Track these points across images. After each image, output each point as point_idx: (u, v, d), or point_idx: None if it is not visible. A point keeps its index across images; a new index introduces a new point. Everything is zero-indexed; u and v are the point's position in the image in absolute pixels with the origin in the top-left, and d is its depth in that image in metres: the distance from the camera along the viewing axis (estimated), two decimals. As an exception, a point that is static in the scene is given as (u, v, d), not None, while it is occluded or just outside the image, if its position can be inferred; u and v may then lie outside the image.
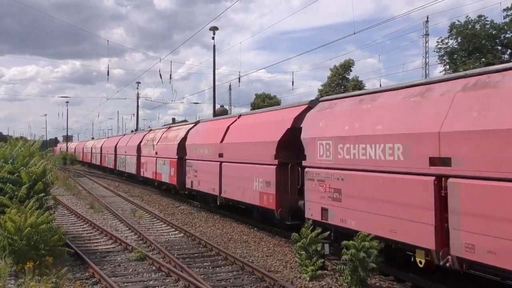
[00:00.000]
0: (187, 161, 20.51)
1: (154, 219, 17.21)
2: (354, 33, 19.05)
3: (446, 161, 7.36)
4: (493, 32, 39.67)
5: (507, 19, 38.89)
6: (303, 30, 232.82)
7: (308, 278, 9.26)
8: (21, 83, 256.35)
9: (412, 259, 8.29)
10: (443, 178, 7.40)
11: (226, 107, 58.31)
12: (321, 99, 12.04)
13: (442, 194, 7.42)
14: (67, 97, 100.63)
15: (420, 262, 7.95)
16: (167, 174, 23.61)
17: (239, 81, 38.81)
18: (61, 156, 67.09)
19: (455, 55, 42.01)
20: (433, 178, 7.53)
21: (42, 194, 11.66)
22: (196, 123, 22.25)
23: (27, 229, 9.20)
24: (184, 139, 21.49)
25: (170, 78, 36.55)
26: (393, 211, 8.34)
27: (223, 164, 16.35)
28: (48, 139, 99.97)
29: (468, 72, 8.13)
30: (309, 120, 11.43)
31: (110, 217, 17.64)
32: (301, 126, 11.50)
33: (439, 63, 44.32)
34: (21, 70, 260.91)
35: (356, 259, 8.49)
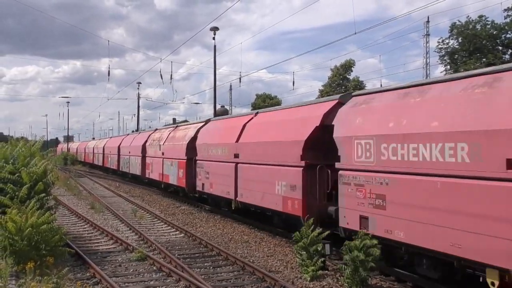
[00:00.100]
0: (197, 162, 19.32)
1: (155, 219, 17.22)
2: (355, 33, 19.06)
3: None
4: (494, 32, 39.70)
5: (508, 19, 38.91)
6: (303, 30, 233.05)
7: (308, 278, 9.26)
8: (22, 83, 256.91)
9: (481, 279, 7.17)
10: None
11: (227, 107, 58.42)
12: (354, 93, 10.77)
13: None
14: (67, 97, 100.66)
15: (493, 284, 6.76)
16: (174, 176, 22.45)
17: (240, 81, 39.03)
18: (62, 157, 67.08)
19: (456, 55, 42.03)
20: None
21: (43, 195, 11.66)
22: (207, 121, 20.94)
23: (28, 229, 9.21)
24: (193, 138, 20.28)
25: (171, 78, 36.73)
26: (455, 222, 7.12)
27: (239, 165, 15.12)
28: (49, 139, 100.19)
29: None
30: (342, 116, 10.19)
31: (111, 217, 17.64)
32: (333, 123, 10.30)
33: (439, 63, 44.46)
34: (22, 70, 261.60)
35: (357, 259, 8.49)
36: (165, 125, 35.77)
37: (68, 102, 79.28)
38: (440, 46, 43.15)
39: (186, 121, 53.77)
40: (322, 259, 9.64)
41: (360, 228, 9.06)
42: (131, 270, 10.17)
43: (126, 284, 9.12)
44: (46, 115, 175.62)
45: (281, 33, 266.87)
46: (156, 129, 30.71)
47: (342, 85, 55.97)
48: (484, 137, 6.76)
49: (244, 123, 15.55)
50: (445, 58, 43.06)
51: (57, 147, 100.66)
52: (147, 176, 28.44)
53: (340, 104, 10.89)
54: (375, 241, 8.53)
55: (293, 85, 44.50)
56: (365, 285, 8.64)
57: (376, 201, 8.79)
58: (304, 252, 9.74)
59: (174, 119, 76.26)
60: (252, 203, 14.36)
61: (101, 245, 12.69)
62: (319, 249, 9.63)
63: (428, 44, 46.56)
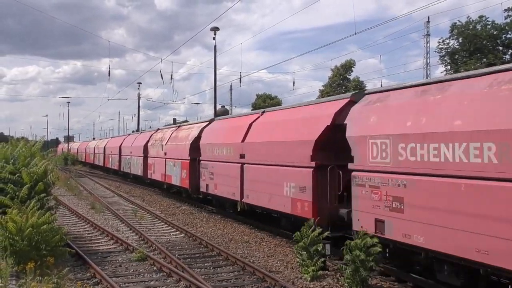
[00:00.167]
0: (201, 162, 18.78)
1: (155, 220, 17.22)
2: (355, 33, 19.09)
3: None
4: (494, 33, 39.73)
5: (508, 20, 38.92)
6: (304, 30, 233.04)
7: (309, 279, 9.26)
8: (22, 83, 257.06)
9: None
10: None
11: (227, 107, 58.45)
12: (367, 91, 10.31)
13: None
14: (68, 97, 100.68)
15: None
16: (177, 177, 21.98)
17: (240, 82, 38.98)
18: (62, 157, 67.08)
19: (456, 56, 42.06)
20: None
21: (43, 195, 11.67)
22: (210, 121, 20.38)
23: (28, 229, 9.21)
24: (197, 138, 19.80)
25: (171, 78, 36.75)
26: (482, 227, 6.69)
27: (245, 166, 14.67)
28: (49, 139, 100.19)
29: None
30: (355, 115, 9.74)
31: (111, 218, 17.65)
32: (345, 122, 9.90)
33: (440, 64, 44.49)
34: (22, 71, 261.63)
35: (357, 259, 8.49)
36: (166, 125, 35.47)
37: (68, 102, 79.41)
38: (440, 46, 43.24)
39: (186, 121, 53.79)
40: (323, 259, 9.64)
41: (375, 232, 8.71)
42: (132, 270, 10.17)
43: (127, 284, 9.12)
44: (47, 115, 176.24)
45: (281, 33, 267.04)
46: (158, 129, 30.30)
47: (343, 85, 56.00)
48: None
49: (250, 123, 15.13)
50: (445, 58, 43.10)
51: (58, 147, 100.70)
52: (149, 176, 28.05)
53: (352, 102, 10.48)
54: (376, 240, 8.53)
55: (294, 85, 44.56)
56: (366, 285, 8.63)
57: (393, 204, 8.36)
58: (305, 252, 9.75)
59: (174, 119, 76.46)
60: (259, 205, 13.92)
61: (102, 245, 12.70)
62: (319, 249, 9.63)
63: (428, 44, 46.61)
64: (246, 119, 15.88)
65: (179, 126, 25.45)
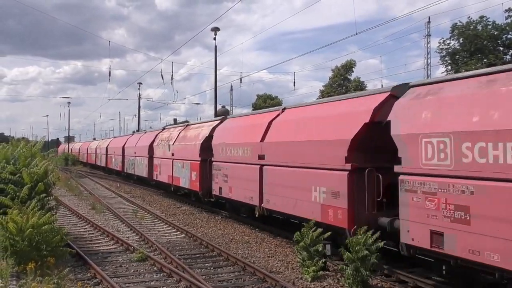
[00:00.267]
0: (214, 163, 17.59)
1: (156, 220, 17.22)
2: (356, 34, 19.17)
3: None
4: (495, 33, 39.74)
5: (509, 20, 38.94)
6: (304, 31, 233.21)
7: (309, 279, 9.25)
8: (23, 83, 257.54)
9: None
10: None
11: (228, 107, 58.44)
12: (412, 83, 9.09)
13: None
14: (68, 97, 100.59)
15: None
16: (186, 179, 20.81)
17: (241, 82, 39.02)
18: (62, 157, 67.08)
19: (457, 56, 42.07)
20: None
21: (44, 195, 11.67)
22: (223, 119, 19.22)
23: (29, 229, 9.22)
24: (208, 138, 18.65)
25: (172, 78, 36.76)
26: None
27: (265, 168, 13.51)
28: (49, 139, 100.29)
29: None
30: (402, 111, 8.58)
31: (111, 218, 17.66)
32: (388, 119, 8.76)
33: (441, 64, 44.52)
34: (23, 71, 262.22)
35: (357, 259, 8.48)
36: (166, 126, 35.13)
37: (69, 103, 79.21)
38: (441, 47, 43.25)
39: (187, 121, 53.75)
40: (323, 259, 9.64)
41: (431, 246, 7.66)
42: (132, 270, 10.17)
43: (127, 284, 9.12)
44: (47, 115, 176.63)
45: (282, 33, 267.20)
46: (164, 128, 29.33)
47: (343, 85, 56.08)
48: None
49: (269, 121, 14.00)
50: (446, 58, 43.12)
51: (59, 147, 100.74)
52: (154, 178, 26.89)
53: (393, 96, 9.49)
54: (376, 236, 8.52)
55: (294, 85, 44.44)
56: (366, 285, 8.63)
57: (456, 214, 7.22)
58: (305, 253, 9.74)
59: (175, 120, 76.40)
60: (282, 211, 12.62)
61: (102, 246, 12.70)
62: (320, 249, 9.63)
63: (429, 45, 46.54)
64: (265, 117, 14.72)
65: (187, 125, 24.22)
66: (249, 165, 14.46)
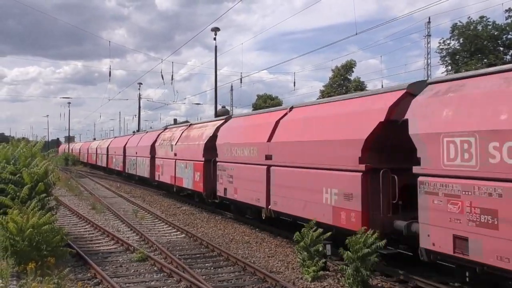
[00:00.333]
0: (218, 164, 17.22)
1: (156, 220, 17.21)
2: (356, 34, 19.10)
3: None
4: (495, 33, 39.77)
5: (509, 20, 38.97)
6: (305, 31, 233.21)
7: (309, 279, 9.25)
8: (23, 84, 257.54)
9: None
10: None
11: (228, 107, 58.42)
12: (430, 81, 8.81)
13: None
14: (69, 98, 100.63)
15: None
16: (189, 179, 20.39)
17: (241, 82, 39.09)
18: (63, 157, 67.06)
19: (457, 56, 42.10)
20: None
21: (44, 195, 11.66)
22: (227, 118, 18.69)
23: (29, 229, 9.21)
24: (212, 138, 18.23)
25: (172, 79, 36.85)
26: None
27: (272, 168, 13.12)
28: (50, 140, 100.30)
29: None
30: (420, 109, 8.22)
31: (112, 218, 17.65)
32: (406, 117, 8.44)
33: (441, 64, 44.58)
34: (23, 71, 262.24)
35: (357, 258, 8.47)
36: (168, 125, 34.97)
37: (69, 103, 79.24)
38: (441, 47, 43.29)
39: (187, 121, 53.75)
40: (323, 259, 9.64)
41: (454, 252, 7.31)
42: (132, 270, 10.17)
43: (127, 284, 9.12)
44: (47, 115, 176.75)
45: (282, 33, 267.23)
46: (167, 128, 29.04)
47: (343, 85, 56.10)
48: None
49: (276, 120, 13.61)
50: (446, 58, 43.16)
51: (59, 147, 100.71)
52: (156, 178, 26.47)
53: (409, 94, 9.17)
54: (376, 235, 8.51)
55: (294, 85, 44.47)
56: (366, 285, 8.63)
57: (482, 218, 6.86)
58: (305, 253, 9.74)
59: (175, 120, 76.51)
60: (290, 213, 12.16)
61: (102, 246, 12.70)
62: (320, 249, 9.63)
63: (429, 45, 46.55)
64: (271, 116, 14.34)
65: (190, 125, 23.73)
66: (256, 166, 14.08)
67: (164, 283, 9.25)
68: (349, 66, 56.70)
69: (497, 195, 6.67)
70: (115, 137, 52.11)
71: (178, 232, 14.68)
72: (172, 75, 36.86)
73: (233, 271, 10.14)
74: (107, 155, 44.96)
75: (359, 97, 11.09)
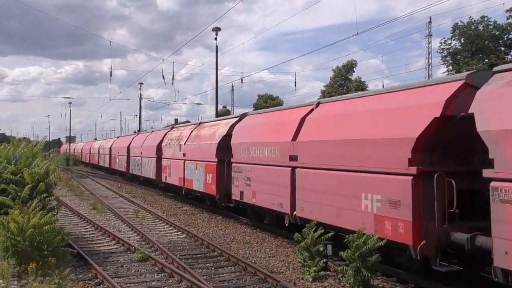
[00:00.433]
0: (233, 165, 16.11)
1: (157, 220, 17.23)
2: (357, 34, 19.19)
3: None
4: (496, 33, 39.72)
5: (510, 20, 38.92)
6: (305, 31, 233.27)
7: (310, 279, 9.25)
8: (24, 83, 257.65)
9: None
10: None
11: (229, 107, 58.44)
12: (497, 69, 7.46)
13: None
14: (70, 97, 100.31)
15: None
16: (201, 181, 19.21)
17: (242, 82, 39.06)
18: (64, 157, 67.13)
19: (458, 56, 42.05)
20: None
21: (45, 195, 11.67)
22: (242, 116, 17.45)
23: (30, 230, 9.22)
24: (226, 137, 17.15)
25: (173, 79, 37.03)
26: None
27: (297, 170, 11.91)
28: (51, 140, 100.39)
29: None
30: (489, 101, 7.00)
31: (112, 218, 17.67)
32: (471, 112, 7.24)
33: (442, 64, 44.50)
34: (24, 71, 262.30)
35: (358, 257, 8.46)
36: (167, 126, 34.95)
37: (70, 103, 79.29)
38: (442, 47, 43.21)
39: (188, 121, 53.78)
40: (324, 259, 9.64)
41: None
42: (133, 270, 10.18)
43: (128, 284, 9.13)
44: (48, 115, 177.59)
45: (283, 33, 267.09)
46: (174, 127, 28.20)
47: (344, 85, 56.08)
48: None
49: (301, 117, 12.35)
50: (447, 58, 43.10)
51: (60, 147, 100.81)
52: (163, 180, 25.29)
53: (467, 85, 8.06)
54: (377, 236, 8.48)
55: (295, 85, 44.41)
56: (367, 285, 8.62)
57: None
58: (306, 253, 9.74)
59: (176, 120, 76.67)
60: (321, 221, 10.44)
61: (103, 246, 12.71)
62: (321, 249, 9.63)
63: (430, 45, 46.52)
64: (295, 113, 13.07)
65: (200, 123, 22.45)
66: (278, 167, 12.92)
67: (165, 283, 9.25)
68: (350, 66, 56.69)
69: None
70: (118, 137, 50.77)
71: (179, 232, 14.69)
72: (173, 75, 37.23)
73: (234, 271, 10.15)
74: (110, 155, 43.99)
75: (405, 89, 9.63)
